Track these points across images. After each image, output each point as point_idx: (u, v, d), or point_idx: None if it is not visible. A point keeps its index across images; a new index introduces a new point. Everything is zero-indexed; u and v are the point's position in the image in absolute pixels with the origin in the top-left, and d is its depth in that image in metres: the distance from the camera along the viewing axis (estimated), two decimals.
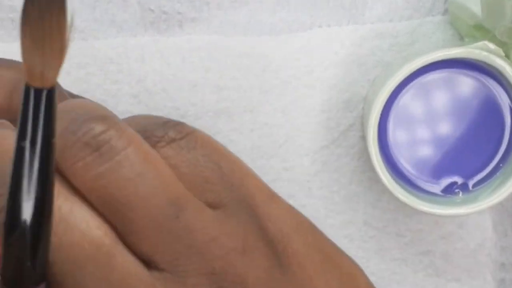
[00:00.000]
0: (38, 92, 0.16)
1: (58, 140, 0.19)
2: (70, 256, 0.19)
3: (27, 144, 0.16)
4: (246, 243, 0.20)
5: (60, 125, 0.19)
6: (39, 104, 0.16)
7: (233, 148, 0.42)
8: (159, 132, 0.21)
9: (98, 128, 0.19)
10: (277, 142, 0.41)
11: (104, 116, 0.20)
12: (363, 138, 0.41)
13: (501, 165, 0.37)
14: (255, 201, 0.21)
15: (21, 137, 0.17)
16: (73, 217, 0.19)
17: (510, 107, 0.37)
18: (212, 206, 0.21)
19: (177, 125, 0.21)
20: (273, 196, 0.23)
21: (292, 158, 0.41)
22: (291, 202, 0.43)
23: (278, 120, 0.41)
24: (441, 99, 0.37)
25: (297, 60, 0.40)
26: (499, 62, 0.35)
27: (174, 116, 0.40)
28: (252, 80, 0.40)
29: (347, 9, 0.40)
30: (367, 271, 0.45)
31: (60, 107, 0.20)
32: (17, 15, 0.39)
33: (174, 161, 0.21)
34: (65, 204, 0.19)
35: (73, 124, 0.20)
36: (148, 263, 0.20)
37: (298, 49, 0.40)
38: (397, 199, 0.36)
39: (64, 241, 0.19)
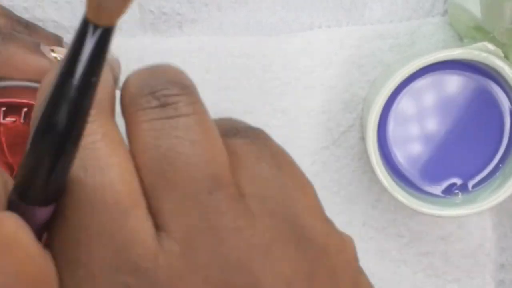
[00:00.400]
0: (93, 28, 0.17)
1: (135, 90, 0.20)
2: (89, 196, 0.19)
3: (70, 76, 0.17)
4: (271, 244, 0.19)
5: (143, 79, 0.20)
6: (92, 39, 0.17)
7: None
8: (240, 128, 0.22)
9: (173, 90, 0.20)
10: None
11: (185, 85, 0.20)
12: (363, 139, 0.41)
13: (500, 165, 0.37)
14: (305, 213, 0.21)
15: (65, 68, 0.17)
16: (109, 162, 0.19)
17: (509, 107, 0.37)
18: (254, 203, 0.20)
19: (256, 129, 0.22)
20: (326, 219, 0.22)
21: (292, 158, 0.41)
22: None
23: (278, 121, 0.41)
24: (440, 100, 0.37)
25: (297, 61, 0.40)
26: (498, 63, 0.35)
27: None
28: (252, 80, 0.40)
29: (347, 9, 0.40)
30: (367, 272, 0.45)
31: (156, 65, 0.21)
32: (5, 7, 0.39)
33: (240, 151, 0.21)
34: (107, 148, 0.19)
35: (154, 80, 0.20)
36: (163, 228, 0.19)
37: (298, 50, 0.40)
38: (396, 200, 0.37)
39: (89, 178, 0.19)
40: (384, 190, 0.37)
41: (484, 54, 0.35)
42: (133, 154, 0.20)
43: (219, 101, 0.40)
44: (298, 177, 0.22)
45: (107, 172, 0.19)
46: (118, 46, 0.39)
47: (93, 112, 0.19)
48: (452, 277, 0.43)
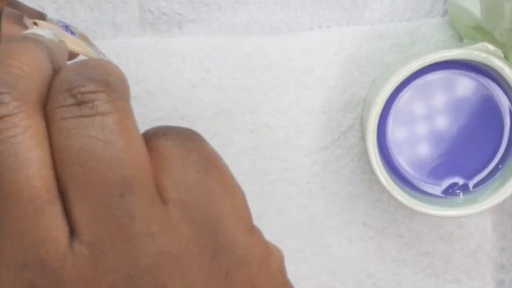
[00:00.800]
0: None
1: (55, 85, 0.19)
2: (4, 190, 0.18)
3: None
4: (185, 251, 0.19)
5: (66, 74, 0.19)
6: None
7: (233, 148, 0.43)
8: (171, 129, 0.21)
9: (91, 87, 0.19)
10: (277, 143, 0.41)
11: (107, 82, 0.20)
12: (363, 139, 0.41)
13: (500, 166, 0.37)
14: (228, 222, 0.20)
15: None
16: (29, 156, 0.19)
17: (509, 108, 0.37)
18: (173, 205, 0.20)
19: (187, 129, 0.21)
20: (251, 228, 0.21)
21: (292, 159, 0.41)
22: (290, 203, 0.44)
23: (278, 121, 0.41)
24: (440, 100, 0.37)
25: (297, 61, 0.40)
26: (498, 63, 0.35)
27: (174, 116, 0.40)
28: (252, 80, 0.40)
29: (347, 10, 0.40)
30: (366, 272, 0.45)
31: (86, 60, 0.20)
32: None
33: (166, 153, 0.20)
34: (28, 142, 0.19)
35: (75, 76, 0.20)
36: (75, 231, 0.19)
37: (298, 50, 0.40)
38: (396, 200, 0.36)
39: (6, 172, 0.18)
40: (384, 190, 0.37)
41: (484, 55, 0.35)
42: (52, 154, 0.19)
43: (219, 101, 0.40)
44: (227, 184, 0.21)
45: (26, 167, 0.18)
46: (118, 46, 0.39)
47: (16, 104, 0.19)
48: (452, 277, 0.43)
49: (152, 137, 0.21)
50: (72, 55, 0.30)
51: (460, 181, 0.38)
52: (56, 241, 0.18)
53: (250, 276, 0.20)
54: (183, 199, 0.20)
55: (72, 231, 0.19)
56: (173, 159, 0.20)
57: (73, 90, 0.19)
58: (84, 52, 0.29)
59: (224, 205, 0.20)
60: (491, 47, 0.35)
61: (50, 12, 0.38)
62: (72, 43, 0.28)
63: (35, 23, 0.29)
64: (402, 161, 0.38)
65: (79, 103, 0.19)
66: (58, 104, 0.19)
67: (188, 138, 0.21)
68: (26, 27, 0.28)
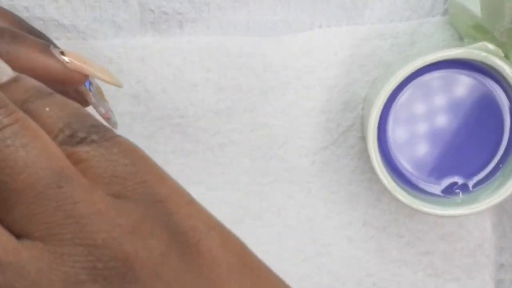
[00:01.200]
0: None
1: None
2: None
3: None
4: (137, 224, 0.20)
5: None
6: None
7: (233, 148, 0.43)
8: (82, 134, 0.22)
9: None
10: (277, 143, 0.41)
11: (2, 101, 0.21)
12: (363, 138, 0.41)
13: (500, 165, 0.38)
14: (169, 200, 0.21)
15: None
16: None
17: (509, 107, 0.37)
18: (115, 196, 0.21)
19: (103, 130, 0.22)
20: (191, 201, 0.22)
21: (292, 158, 0.41)
22: (290, 203, 0.44)
23: (278, 121, 0.41)
24: (440, 100, 0.37)
25: (297, 61, 0.40)
26: (498, 63, 0.35)
27: (174, 116, 0.40)
28: (252, 80, 0.40)
29: (347, 9, 0.40)
30: (367, 272, 0.45)
31: None
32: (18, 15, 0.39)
33: (86, 156, 0.21)
34: None
35: None
36: (20, 235, 0.20)
37: (298, 50, 0.40)
38: (397, 200, 0.37)
39: None
40: (384, 190, 0.37)
41: (484, 54, 0.35)
42: None
43: (219, 101, 0.40)
44: (154, 169, 0.22)
45: None
46: (118, 46, 0.39)
47: None
48: (452, 276, 0.43)
49: (65, 145, 0.21)
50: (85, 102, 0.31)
51: (460, 180, 0.38)
52: (4, 245, 0.19)
53: (207, 243, 0.20)
54: (119, 191, 0.20)
55: (21, 237, 0.19)
56: (97, 161, 0.21)
57: None
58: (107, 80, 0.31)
59: (160, 186, 0.21)
60: (491, 46, 0.35)
61: (50, 12, 0.38)
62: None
63: (62, 52, 0.29)
64: (402, 161, 0.38)
65: None
66: None
67: (103, 138, 0.21)
68: (53, 56, 0.29)
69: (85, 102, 0.31)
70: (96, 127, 0.22)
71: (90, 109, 0.29)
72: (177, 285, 0.20)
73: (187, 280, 0.20)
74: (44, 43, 0.29)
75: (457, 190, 0.38)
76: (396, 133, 0.38)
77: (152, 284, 0.19)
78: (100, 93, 0.33)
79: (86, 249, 0.19)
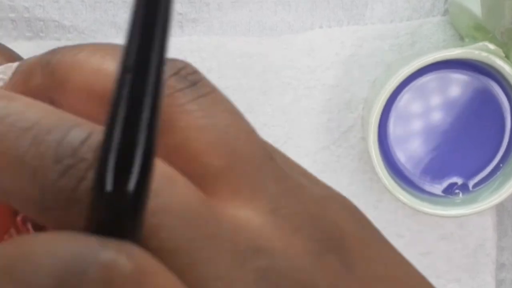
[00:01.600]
0: None
1: None
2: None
3: None
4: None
5: None
6: None
7: None
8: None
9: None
10: (277, 143, 0.41)
11: None
12: (364, 139, 0.41)
13: (501, 165, 0.37)
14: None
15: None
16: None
17: (509, 107, 0.37)
18: None
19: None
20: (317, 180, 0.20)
21: (292, 158, 0.41)
22: None
23: (278, 121, 0.41)
24: (440, 100, 0.37)
25: (297, 61, 0.40)
26: (499, 63, 0.35)
27: None
28: (252, 80, 0.40)
29: (347, 9, 0.40)
30: None
31: None
32: (17, 15, 0.39)
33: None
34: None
35: None
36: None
37: (298, 50, 0.40)
38: (397, 200, 0.36)
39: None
40: (384, 190, 0.37)
41: (485, 54, 0.35)
42: None
43: None
44: (245, 126, 0.19)
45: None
46: (118, 46, 0.39)
47: None
48: (453, 276, 0.43)
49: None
50: None
51: (460, 180, 0.38)
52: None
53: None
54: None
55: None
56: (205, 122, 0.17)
57: None
58: None
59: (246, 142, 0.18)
60: (492, 46, 0.35)
61: (51, 12, 0.38)
62: None
63: None
64: (403, 161, 0.38)
65: None
66: None
67: (202, 94, 0.18)
68: None
69: None
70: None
71: None
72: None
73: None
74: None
75: (457, 190, 0.38)
76: (397, 133, 0.38)
77: (361, 252, 0.18)
78: None
79: (307, 220, 0.17)
